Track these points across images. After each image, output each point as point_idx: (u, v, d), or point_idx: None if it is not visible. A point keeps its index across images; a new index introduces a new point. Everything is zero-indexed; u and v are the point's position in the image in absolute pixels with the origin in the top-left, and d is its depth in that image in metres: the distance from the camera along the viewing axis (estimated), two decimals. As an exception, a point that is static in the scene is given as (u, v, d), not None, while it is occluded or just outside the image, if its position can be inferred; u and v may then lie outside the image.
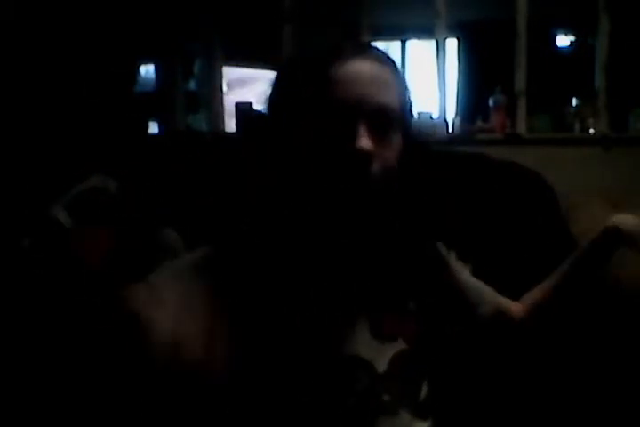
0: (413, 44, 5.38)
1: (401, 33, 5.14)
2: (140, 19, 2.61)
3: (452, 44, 4.88)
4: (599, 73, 2.65)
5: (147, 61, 3.29)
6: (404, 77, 0.88)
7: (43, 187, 1.48)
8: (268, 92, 0.87)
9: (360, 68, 0.82)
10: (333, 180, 0.79)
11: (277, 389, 0.77)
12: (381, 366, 0.82)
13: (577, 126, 2.86)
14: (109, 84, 2.40)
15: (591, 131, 2.77)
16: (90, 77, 2.32)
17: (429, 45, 3.16)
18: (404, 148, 0.85)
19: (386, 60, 0.86)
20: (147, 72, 3.40)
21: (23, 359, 0.98)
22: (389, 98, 0.83)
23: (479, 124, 3.01)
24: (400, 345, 0.84)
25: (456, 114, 3.86)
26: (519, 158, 2.12)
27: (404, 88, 0.87)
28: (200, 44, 3.15)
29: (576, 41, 4.82)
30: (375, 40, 4.42)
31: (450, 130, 2.84)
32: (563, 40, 4.91)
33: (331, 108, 0.80)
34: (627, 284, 1.75)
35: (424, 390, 0.84)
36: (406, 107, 0.87)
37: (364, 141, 0.79)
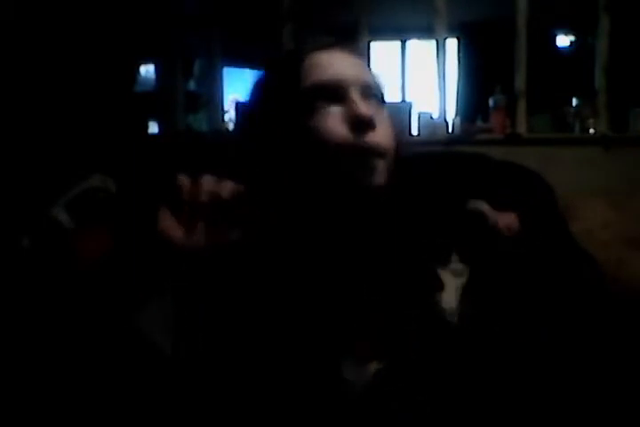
0: (413, 44, 5.38)
1: (401, 33, 5.14)
2: (141, 19, 2.61)
3: (452, 44, 4.88)
4: (599, 73, 2.65)
5: (147, 61, 3.29)
6: (377, 75, 0.87)
7: (43, 187, 1.48)
8: (251, 93, 0.87)
9: (338, 55, 0.83)
10: (339, 156, 0.76)
11: (260, 400, 0.76)
12: (361, 385, 0.80)
13: (577, 126, 2.86)
14: (109, 83, 2.40)
15: (591, 131, 2.77)
16: (90, 77, 2.32)
17: (429, 45, 3.16)
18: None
19: (360, 52, 0.87)
20: (147, 72, 3.41)
21: (22, 359, 0.98)
22: (373, 80, 0.83)
23: (479, 124, 3.01)
24: (380, 365, 0.82)
25: (456, 114, 3.86)
26: (519, 158, 2.12)
27: (380, 84, 0.86)
28: (200, 44, 3.15)
29: (576, 41, 4.82)
30: (375, 40, 4.44)
31: (450, 130, 2.84)
32: (563, 40, 4.91)
33: (322, 87, 0.79)
34: (627, 284, 1.75)
35: (407, 408, 0.83)
36: (382, 93, 0.86)
37: (364, 108, 0.77)
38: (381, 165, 0.78)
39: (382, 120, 0.80)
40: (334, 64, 0.81)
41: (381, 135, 0.79)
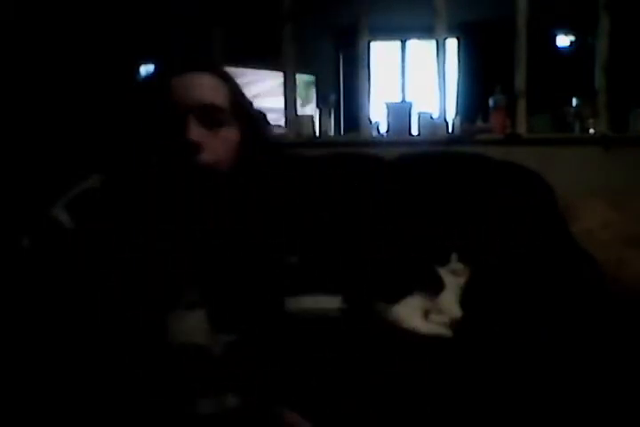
0: (413, 44, 5.38)
1: (401, 33, 5.14)
2: (141, 19, 2.61)
3: (452, 44, 4.87)
4: (599, 73, 2.65)
5: (147, 61, 3.28)
6: (236, 85, 1.06)
7: (43, 187, 1.48)
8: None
9: (191, 78, 1.00)
10: (170, 166, 0.95)
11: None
12: (216, 351, 0.90)
13: (577, 126, 2.86)
14: (109, 84, 2.40)
15: (591, 131, 2.77)
16: (90, 78, 2.32)
17: (429, 45, 3.16)
18: (243, 142, 1.01)
19: (216, 71, 1.04)
20: (147, 72, 3.40)
21: (23, 359, 0.98)
22: (216, 99, 1.00)
23: (479, 124, 3.01)
24: (235, 336, 0.92)
25: (456, 114, 3.85)
26: (519, 158, 2.12)
27: (235, 94, 1.04)
28: (200, 45, 3.15)
29: (576, 41, 4.82)
30: (375, 40, 4.43)
31: (450, 130, 2.83)
32: (563, 40, 4.91)
33: (165, 109, 0.97)
34: (626, 284, 1.75)
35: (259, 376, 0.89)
36: (241, 109, 1.04)
37: (194, 133, 0.95)
38: (206, 158, 0.95)
39: (215, 139, 0.97)
40: (182, 88, 0.99)
41: (210, 155, 0.95)
